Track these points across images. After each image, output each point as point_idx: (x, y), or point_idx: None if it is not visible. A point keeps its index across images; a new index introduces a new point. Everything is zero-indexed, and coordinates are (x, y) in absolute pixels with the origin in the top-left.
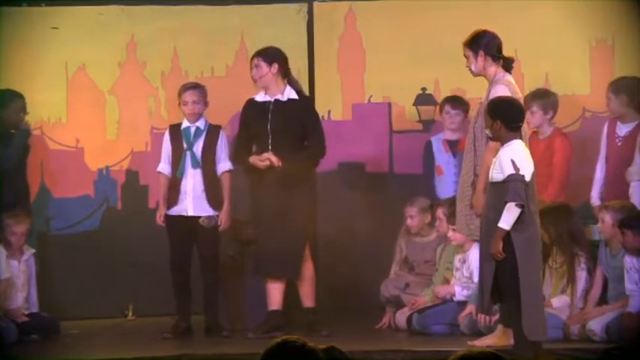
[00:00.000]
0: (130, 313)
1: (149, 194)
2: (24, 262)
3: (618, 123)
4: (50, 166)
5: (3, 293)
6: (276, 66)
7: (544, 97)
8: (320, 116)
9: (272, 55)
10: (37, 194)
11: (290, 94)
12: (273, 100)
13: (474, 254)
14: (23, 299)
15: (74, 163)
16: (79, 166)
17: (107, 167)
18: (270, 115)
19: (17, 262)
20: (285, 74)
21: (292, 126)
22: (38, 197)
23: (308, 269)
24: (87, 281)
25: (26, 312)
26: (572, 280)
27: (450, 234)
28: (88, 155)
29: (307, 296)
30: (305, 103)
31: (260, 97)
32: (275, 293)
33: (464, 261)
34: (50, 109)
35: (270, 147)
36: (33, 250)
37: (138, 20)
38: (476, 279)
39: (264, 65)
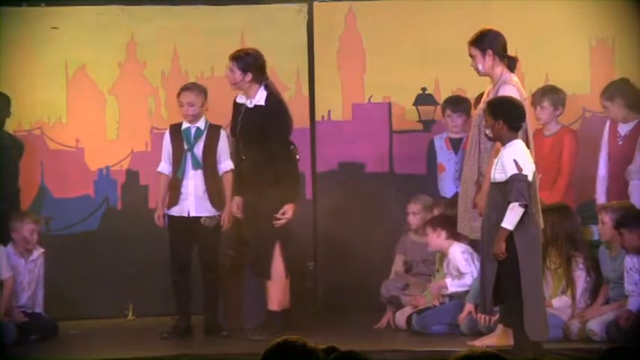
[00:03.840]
0: (130, 313)
1: (149, 194)
2: (32, 262)
3: (619, 122)
4: (50, 166)
5: (5, 292)
6: (249, 75)
7: (554, 93)
8: (288, 118)
9: (248, 64)
10: (37, 194)
11: (259, 100)
12: (244, 104)
13: (453, 250)
14: (27, 299)
15: (74, 163)
16: (79, 166)
17: (107, 167)
18: (239, 120)
19: (24, 261)
20: (261, 80)
21: (257, 133)
22: (38, 197)
23: (277, 270)
24: (87, 281)
25: (29, 311)
26: (570, 281)
27: (433, 239)
28: (88, 155)
29: (273, 298)
30: (270, 109)
31: (240, 98)
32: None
33: (448, 262)
34: (50, 109)
35: (241, 150)
36: (42, 250)
37: (138, 20)
38: (462, 270)
39: (238, 72)
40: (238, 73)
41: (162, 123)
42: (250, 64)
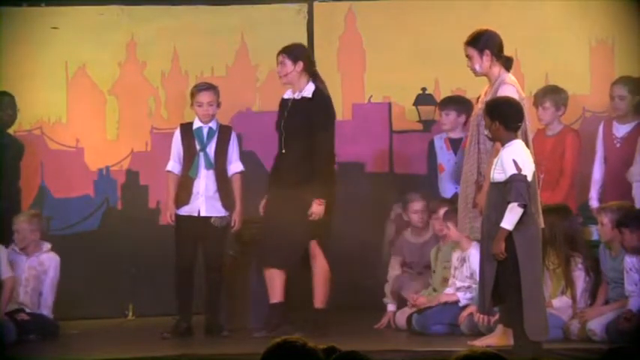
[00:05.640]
0: (130, 313)
1: (149, 194)
2: (34, 258)
3: (615, 124)
4: (50, 166)
5: (6, 291)
6: (301, 64)
7: (556, 93)
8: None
9: (297, 53)
10: (37, 194)
11: (307, 92)
12: (292, 98)
13: (474, 253)
14: (24, 295)
15: (74, 163)
16: (79, 166)
17: (107, 167)
18: (285, 114)
19: (25, 258)
20: (310, 72)
21: (301, 125)
22: (38, 197)
23: (318, 267)
24: (87, 281)
25: (28, 310)
26: (569, 282)
27: (446, 231)
28: (88, 155)
29: (317, 296)
30: (316, 103)
31: (287, 94)
32: (275, 285)
33: (463, 260)
34: (50, 109)
35: (282, 145)
36: (54, 255)
37: (138, 20)
38: (477, 278)
39: (289, 63)
40: (289, 64)
41: (162, 123)
42: (301, 53)
